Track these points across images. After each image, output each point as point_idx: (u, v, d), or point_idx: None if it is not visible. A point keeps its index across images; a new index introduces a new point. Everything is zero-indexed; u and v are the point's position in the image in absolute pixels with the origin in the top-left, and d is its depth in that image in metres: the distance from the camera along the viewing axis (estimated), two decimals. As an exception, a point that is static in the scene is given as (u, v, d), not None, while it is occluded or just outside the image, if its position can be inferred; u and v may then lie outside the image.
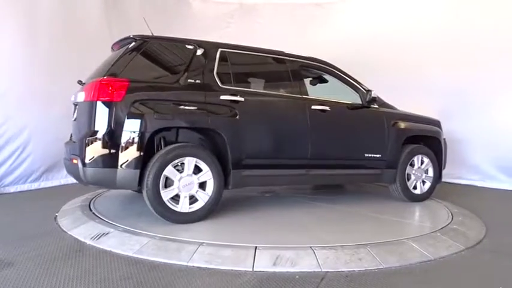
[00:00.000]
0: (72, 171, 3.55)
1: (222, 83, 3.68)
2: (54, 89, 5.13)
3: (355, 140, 4.34)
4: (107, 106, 3.22)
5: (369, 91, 4.37)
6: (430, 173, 4.72)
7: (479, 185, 6.08)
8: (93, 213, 3.78)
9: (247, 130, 3.66)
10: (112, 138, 3.21)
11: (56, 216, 3.88)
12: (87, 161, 3.20)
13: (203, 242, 2.99)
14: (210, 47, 3.79)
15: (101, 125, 3.21)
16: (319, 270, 2.72)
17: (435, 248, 3.14)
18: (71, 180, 5.43)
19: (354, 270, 2.74)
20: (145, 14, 6.34)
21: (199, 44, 3.77)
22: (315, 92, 4.73)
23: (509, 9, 5.71)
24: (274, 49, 4.23)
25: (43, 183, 5.32)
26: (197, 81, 3.57)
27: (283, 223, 3.64)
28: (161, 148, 3.46)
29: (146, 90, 3.38)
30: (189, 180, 3.43)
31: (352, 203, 4.56)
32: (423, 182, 4.70)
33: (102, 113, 3.22)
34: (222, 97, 3.61)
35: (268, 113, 3.87)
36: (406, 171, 4.54)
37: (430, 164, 4.69)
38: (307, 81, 4.78)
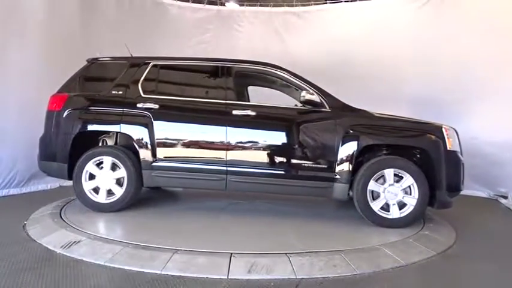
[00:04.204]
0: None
1: (145, 93, 4.13)
2: (30, 96, 5.03)
3: (289, 147, 3.98)
4: (52, 114, 4.15)
5: (302, 91, 3.91)
6: (415, 193, 3.76)
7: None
8: (64, 220, 3.68)
9: (158, 135, 4.02)
10: (52, 139, 4.14)
11: (25, 224, 3.75)
12: (39, 155, 4.22)
13: (178, 250, 2.96)
14: (141, 62, 4.28)
15: (49, 128, 4.16)
16: (294, 277, 2.73)
17: (407, 254, 3.21)
18: (43, 186, 5.39)
19: (328, 277, 2.77)
20: (122, 19, 6.39)
21: (133, 60, 4.33)
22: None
23: (485, 19, 5.89)
24: (214, 57, 4.43)
25: (12, 190, 5.12)
26: (119, 92, 4.15)
27: (257, 230, 3.64)
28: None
29: (79, 101, 4.18)
30: (107, 176, 4.00)
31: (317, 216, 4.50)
32: (403, 205, 3.79)
33: (50, 119, 4.15)
34: (139, 105, 4.05)
35: (181, 118, 4.14)
36: (369, 188, 3.77)
37: (413, 181, 3.74)
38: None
